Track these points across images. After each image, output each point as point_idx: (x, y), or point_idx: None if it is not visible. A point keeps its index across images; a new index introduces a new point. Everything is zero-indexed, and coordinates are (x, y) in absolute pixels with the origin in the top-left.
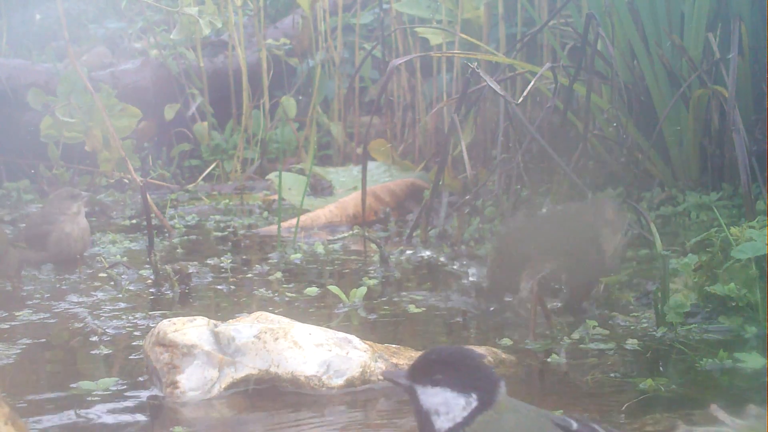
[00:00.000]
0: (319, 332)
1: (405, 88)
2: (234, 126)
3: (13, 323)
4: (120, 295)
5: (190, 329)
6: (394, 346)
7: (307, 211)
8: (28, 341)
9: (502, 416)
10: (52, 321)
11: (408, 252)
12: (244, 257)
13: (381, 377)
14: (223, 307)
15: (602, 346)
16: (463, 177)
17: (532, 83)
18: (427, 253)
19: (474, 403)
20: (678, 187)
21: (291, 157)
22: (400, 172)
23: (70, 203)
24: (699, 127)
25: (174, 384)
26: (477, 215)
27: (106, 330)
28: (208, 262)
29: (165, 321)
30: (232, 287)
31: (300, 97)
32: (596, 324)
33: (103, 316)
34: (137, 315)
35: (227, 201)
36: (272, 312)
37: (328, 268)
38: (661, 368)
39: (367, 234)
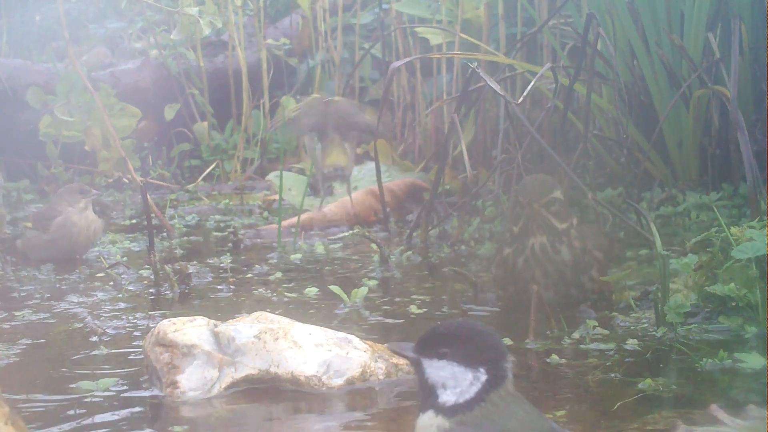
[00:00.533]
0: (319, 332)
1: (405, 88)
2: (234, 126)
3: (13, 323)
4: (120, 295)
5: (190, 329)
6: None
7: (308, 211)
8: (28, 341)
9: (513, 402)
10: (52, 321)
11: (408, 252)
12: (244, 257)
13: (381, 377)
14: (223, 307)
15: (602, 346)
16: (463, 177)
17: (532, 83)
18: (427, 253)
19: (483, 379)
20: (678, 187)
21: (291, 157)
22: (400, 172)
23: (80, 197)
24: (699, 127)
25: (174, 384)
26: (477, 215)
27: (106, 330)
28: (208, 262)
29: (165, 321)
30: (232, 287)
31: (300, 97)
32: (596, 324)
33: (103, 316)
34: (137, 315)
35: (227, 201)
36: (272, 312)
37: (327, 268)
38: (661, 368)
39: (367, 234)
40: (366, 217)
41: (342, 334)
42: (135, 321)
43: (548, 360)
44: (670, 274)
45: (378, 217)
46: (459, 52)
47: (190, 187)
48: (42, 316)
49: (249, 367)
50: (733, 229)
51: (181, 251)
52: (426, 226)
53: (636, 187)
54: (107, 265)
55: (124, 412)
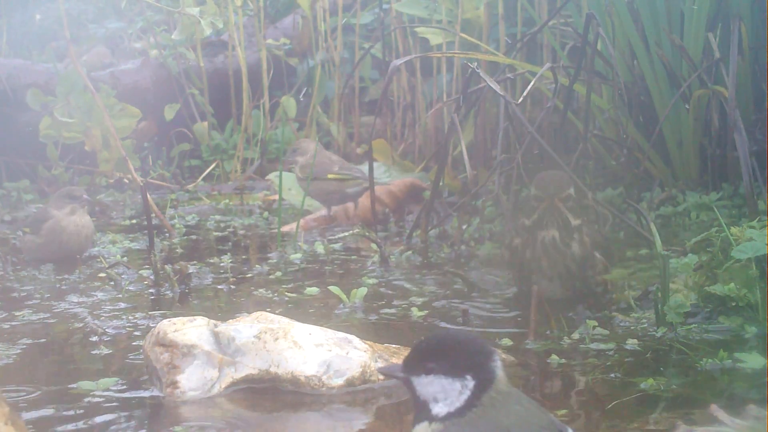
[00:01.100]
0: (319, 332)
1: (405, 88)
2: (234, 126)
3: (13, 323)
4: (120, 295)
5: (190, 329)
6: (394, 346)
7: (308, 211)
8: (28, 341)
9: (507, 399)
10: (52, 321)
11: (408, 252)
12: (244, 257)
13: (381, 377)
14: (223, 307)
15: (602, 346)
16: (463, 177)
17: (532, 83)
18: (427, 253)
19: (471, 384)
20: (678, 187)
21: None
22: (400, 173)
23: (67, 202)
24: (699, 127)
25: (174, 384)
26: (477, 215)
27: (106, 330)
28: (209, 261)
29: (165, 321)
30: (232, 287)
31: (300, 97)
32: (596, 324)
33: (103, 316)
34: (137, 315)
35: (227, 201)
36: (272, 312)
37: (327, 268)
38: (661, 368)
39: (367, 233)
40: (369, 219)
41: (342, 334)
42: (135, 321)
43: (548, 360)
44: (670, 274)
45: (378, 217)
46: (459, 52)
47: (190, 187)
48: (42, 316)
49: (249, 367)
50: (733, 229)
51: (181, 251)
52: (426, 226)
53: (636, 187)
54: (107, 265)
55: (124, 412)
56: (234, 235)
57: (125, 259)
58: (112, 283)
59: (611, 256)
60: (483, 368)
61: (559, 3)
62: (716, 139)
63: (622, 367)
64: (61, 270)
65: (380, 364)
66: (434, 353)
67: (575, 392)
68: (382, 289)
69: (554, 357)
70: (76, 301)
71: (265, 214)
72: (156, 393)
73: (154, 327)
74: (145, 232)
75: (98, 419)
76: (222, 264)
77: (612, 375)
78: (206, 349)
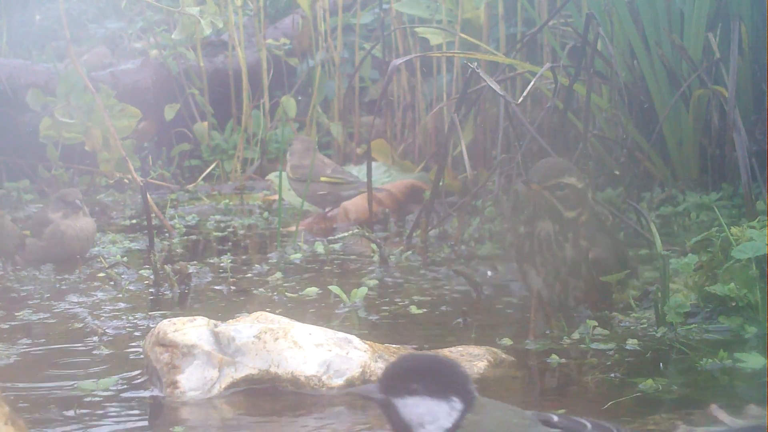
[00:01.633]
0: (319, 332)
1: (405, 88)
2: (234, 126)
3: (13, 323)
4: (120, 295)
5: (190, 329)
6: (394, 346)
7: (308, 212)
8: (28, 341)
9: (484, 415)
10: (52, 321)
11: (408, 252)
12: (244, 257)
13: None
14: (223, 307)
15: (602, 346)
16: (463, 177)
17: (532, 83)
18: (426, 253)
19: (458, 407)
20: (678, 187)
21: None
22: (400, 173)
23: (61, 206)
24: (699, 127)
25: (174, 384)
26: (477, 215)
27: (106, 330)
28: (209, 261)
29: (165, 321)
30: (232, 287)
31: (300, 97)
32: (596, 324)
33: (103, 316)
34: (137, 315)
35: (227, 201)
36: (272, 312)
37: (326, 268)
38: (661, 368)
39: (367, 234)
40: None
41: (342, 334)
42: (135, 321)
43: (548, 360)
44: (670, 274)
45: (378, 218)
46: (459, 52)
47: (190, 187)
48: (42, 316)
49: (249, 367)
50: (733, 229)
51: (181, 251)
52: (426, 226)
53: (636, 187)
54: (107, 265)
55: (124, 412)
56: (234, 235)
57: (125, 259)
58: (112, 283)
59: (612, 263)
60: (465, 389)
61: (559, 3)
62: (716, 139)
63: (622, 367)
64: (61, 270)
65: (380, 363)
66: (416, 374)
67: (575, 392)
68: (382, 289)
69: (554, 357)
70: (76, 301)
71: (265, 214)
72: (156, 393)
73: (154, 327)
74: (145, 232)
75: (98, 419)
76: (222, 264)
77: (612, 375)
78: (206, 349)
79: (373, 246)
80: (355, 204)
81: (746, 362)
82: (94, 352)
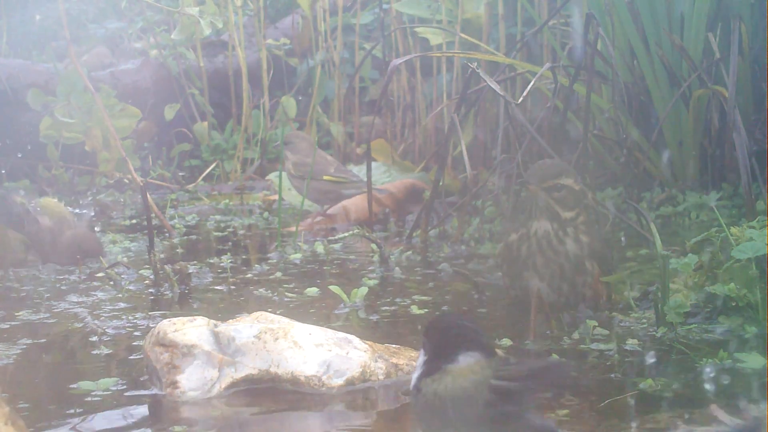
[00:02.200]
0: (319, 332)
1: (405, 88)
2: (234, 126)
3: (13, 323)
4: (120, 295)
5: (190, 329)
6: (394, 346)
7: (308, 212)
8: (28, 341)
9: (454, 374)
10: (52, 321)
11: (408, 252)
12: (244, 257)
13: (381, 377)
14: (223, 307)
15: (602, 346)
16: (463, 177)
17: (532, 83)
18: (426, 253)
19: (422, 358)
20: (678, 187)
21: None
22: (400, 173)
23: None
24: (699, 127)
25: (174, 384)
26: (477, 215)
27: (106, 330)
28: (209, 261)
29: (165, 321)
30: (232, 287)
31: (300, 97)
32: (596, 324)
33: (103, 316)
34: (137, 315)
35: (227, 201)
36: (272, 312)
37: (326, 268)
38: (661, 368)
39: (367, 234)
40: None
41: (342, 334)
42: (135, 321)
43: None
44: (670, 274)
45: (378, 218)
46: (459, 52)
47: (190, 187)
48: (42, 316)
49: (249, 367)
50: (733, 229)
51: (181, 251)
52: (426, 226)
53: (636, 187)
54: (107, 265)
55: (124, 412)
56: (234, 235)
57: (125, 259)
58: (112, 283)
59: (608, 262)
60: (438, 345)
61: (559, 3)
62: (716, 139)
63: (622, 367)
64: (61, 270)
65: (380, 363)
66: (426, 332)
67: (575, 392)
68: (382, 289)
69: (554, 357)
70: (76, 301)
71: (265, 214)
72: (156, 393)
73: (154, 327)
74: (145, 232)
75: (98, 419)
76: (222, 264)
77: (612, 375)
78: (206, 349)
79: (373, 246)
80: (356, 204)
81: (746, 362)
82: (94, 352)
